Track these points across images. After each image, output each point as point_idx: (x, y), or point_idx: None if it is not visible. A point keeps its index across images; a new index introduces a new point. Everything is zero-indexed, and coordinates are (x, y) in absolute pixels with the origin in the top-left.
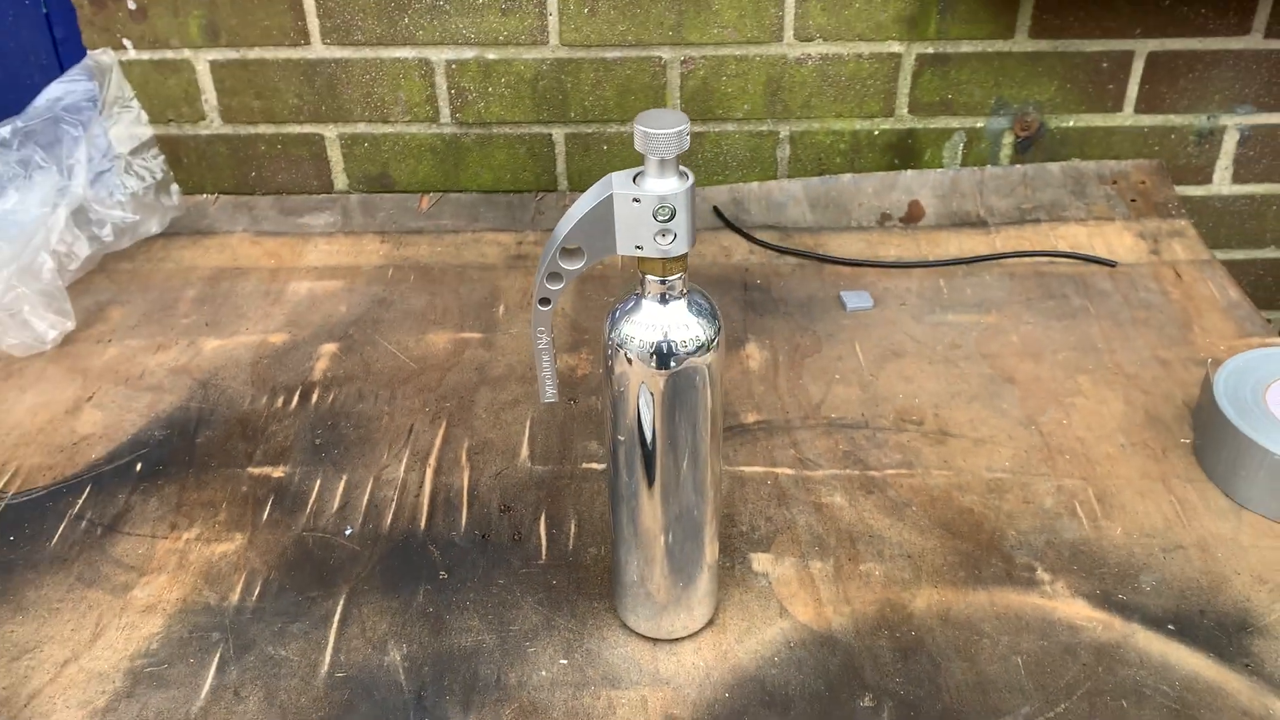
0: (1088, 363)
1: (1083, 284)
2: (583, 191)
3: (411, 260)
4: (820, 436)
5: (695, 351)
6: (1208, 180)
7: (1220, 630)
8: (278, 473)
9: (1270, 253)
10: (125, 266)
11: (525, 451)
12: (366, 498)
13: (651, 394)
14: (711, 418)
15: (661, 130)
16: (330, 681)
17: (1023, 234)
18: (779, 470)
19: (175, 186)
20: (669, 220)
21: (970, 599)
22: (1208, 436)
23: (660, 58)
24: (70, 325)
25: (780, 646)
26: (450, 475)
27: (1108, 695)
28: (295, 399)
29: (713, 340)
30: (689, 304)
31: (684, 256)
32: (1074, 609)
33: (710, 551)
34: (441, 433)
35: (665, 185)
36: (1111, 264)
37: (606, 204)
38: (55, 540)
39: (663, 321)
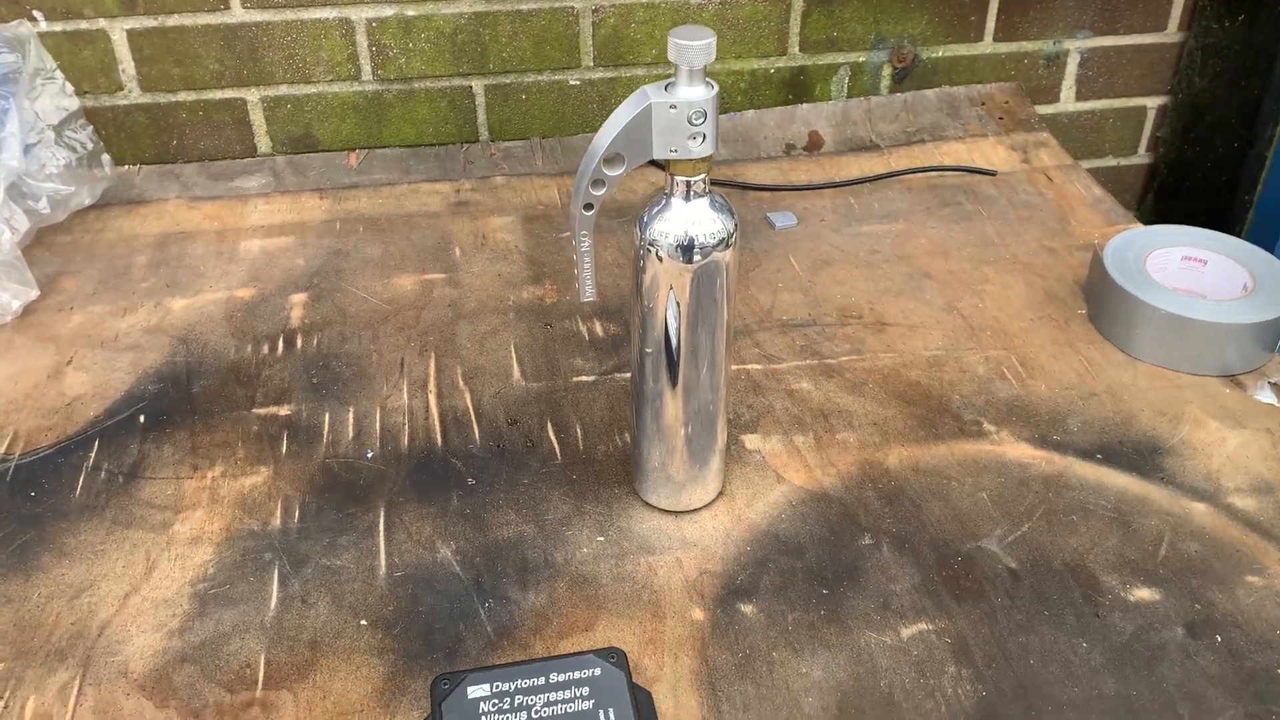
0: (989, 255)
1: (971, 192)
2: (506, 141)
3: (355, 213)
4: (778, 336)
5: (718, 245)
6: (1056, 99)
7: (1138, 454)
8: (284, 411)
9: (1109, 161)
10: (64, 239)
11: (517, 372)
12: (379, 424)
13: (677, 292)
14: (728, 312)
15: (693, 42)
16: (391, 580)
17: (912, 153)
18: (750, 367)
19: (106, 157)
20: (701, 124)
21: (934, 452)
22: (1101, 304)
23: (573, 8)
24: (34, 294)
25: (784, 506)
26: (452, 398)
27: (1059, 514)
28: (280, 345)
29: (732, 235)
30: (710, 202)
31: (709, 157)
32: (1020, 451)
33: (722, 436)
34: (433, 363)
35: (695, 93)
36: (992, 173)
37: (644, 114)
38: (79, 491)
39: (690, 216)
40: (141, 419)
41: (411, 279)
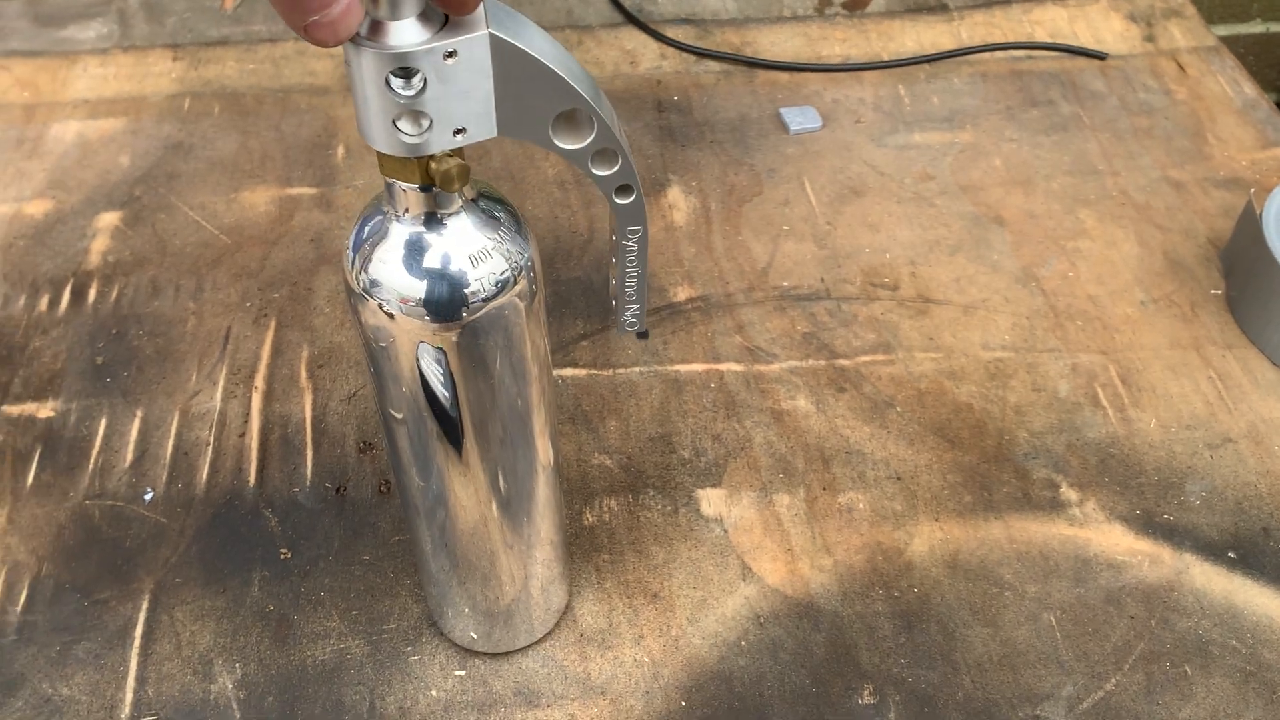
0: (1088, 190)
1: (1070, 84)
2: None
3: (215, 84)
4: (771, 314)
5: (496, 292)
6: None
7: None
8: (45, 411)
9: (1255, 27)
10: None
11: None
12: (172, 442)
13: (429, 362)
14: (538, 369)
15: None
16: None
17: (992, 20)
18: (724, 366)
19: None
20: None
21: (982, 534)
22: (1248, 287)
23: None
24: None
25: (748, 624)
26: (286, 402)
27: (1166, 660)
28: (65, 298)
29: (520, 269)
30: (475, 218)
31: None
32: (1111, 539)
33: (547, 527)
34: (270, 338)
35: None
36: (1101, 56)
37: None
38: None
39: (429, 250)
40: None
41: (268, 194)
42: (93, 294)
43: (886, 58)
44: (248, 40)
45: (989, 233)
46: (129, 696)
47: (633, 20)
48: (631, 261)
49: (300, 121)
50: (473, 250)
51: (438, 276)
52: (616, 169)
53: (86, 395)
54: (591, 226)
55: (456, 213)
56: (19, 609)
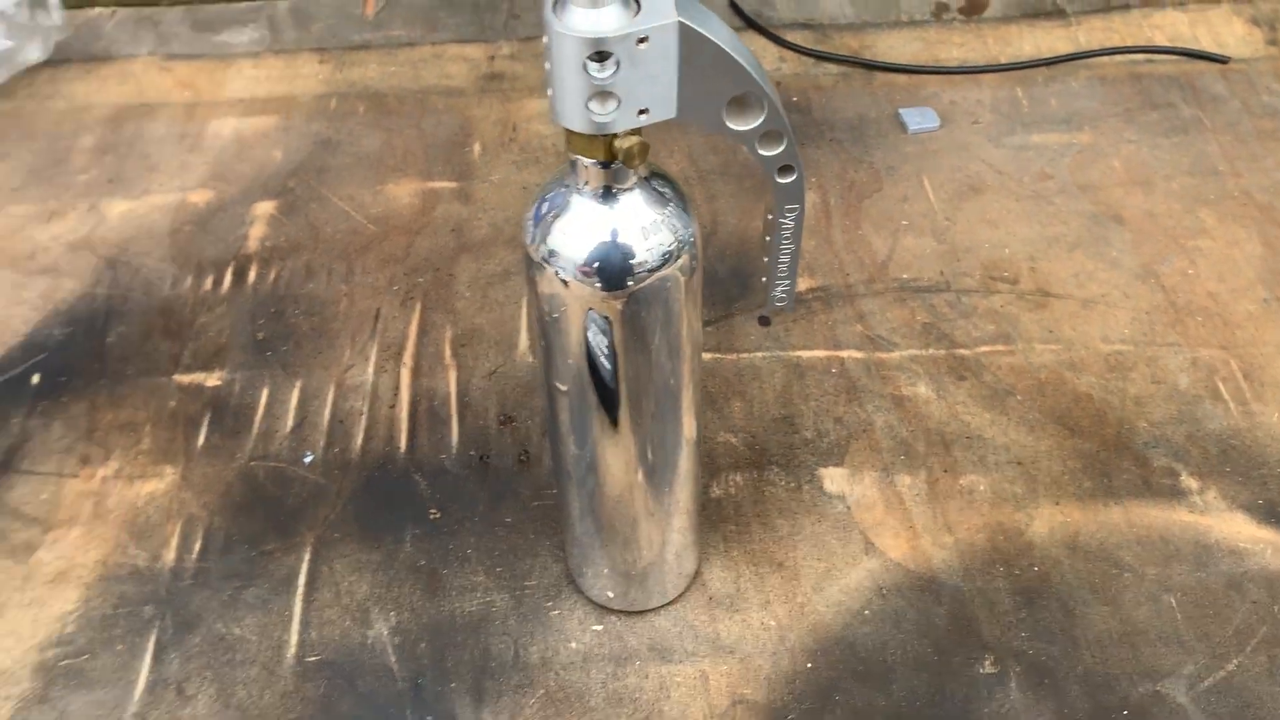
0: (1209, 191)
1: (1190, 87)
2: None
3: (359, 85)
4: (892, 305)
5: (660, 264)
6: None
7: None
8: (213, 380)
9: None
10: (3, 107)
11: (524, 341)
12: (329, 411)
13: (597, 328)
14: (688, 351)
15: None
16: (300, 670)
17: (1110, 24)
18: (845, 354)
19: (55, 0)
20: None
21: (1102, 518)
22: None
23: None
24: None
25: (870, 594)
26: (432, 377)
27: None
28: (228, 279)
29: (683, 246)
30: (645, 195)
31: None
32: (1232, 526)
33: (685, 496)
34: (416, 319)
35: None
36: (1223, 60)
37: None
38: None
39: (605, 222)
40: (35, 379)
41: (411, 187)
42: (252, 275)
43: (1005, 61)
44: (388, 44)
45: (1108, 230)
46: (294, 638)
47: (752, 25)
48: (787, 238)
49: (438, 121)
50: (644, 223)
51: (610, 246)
52: (781, 149)
53: (249, 367)
54: (715, 220)
55: (631, 188)
56: (194, 556)
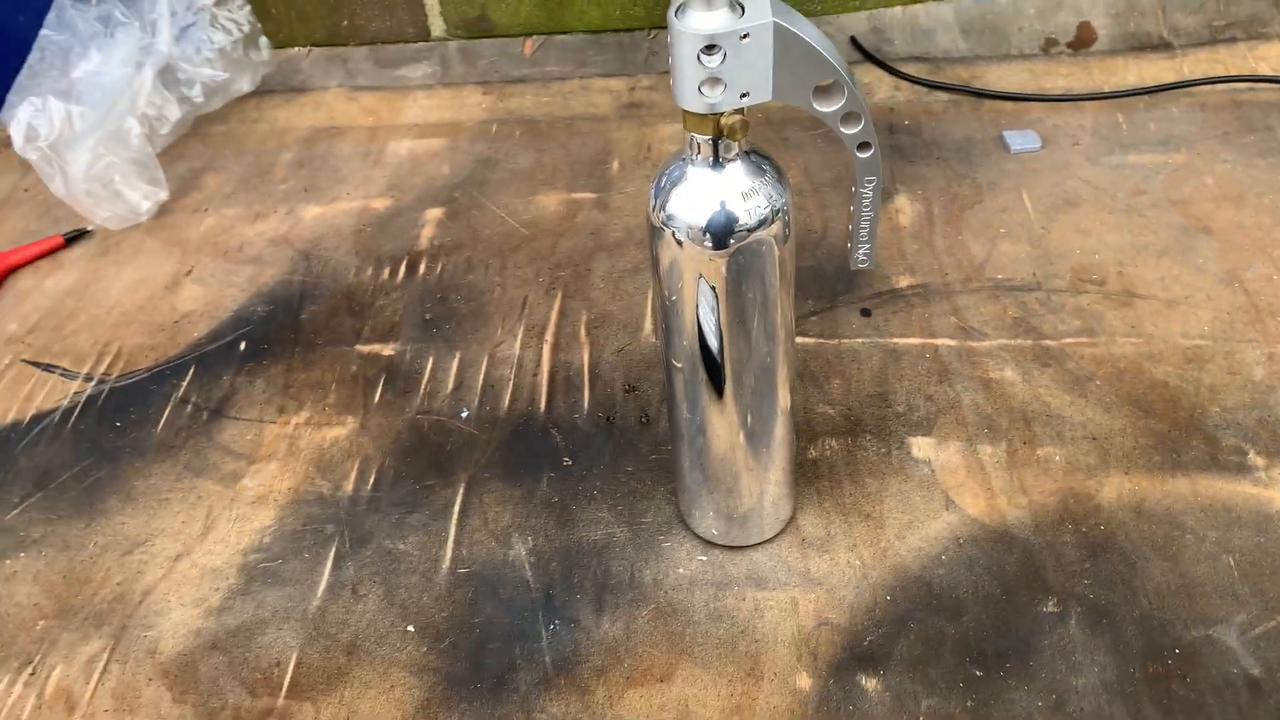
0: None
1: None
2: None
3: (516, 113)
4: (985, 301)
5: (758, 226)
6: None
7: None
8: (388, 350)
9: None
10: (219, 129)
11: (649, 325)
12: (482, 377)
13: (706, 285)
14: (783, 308)
15: None
16: (453, 579)
17: (1215, 56)
18: (939, 341)
19: (264, 39)
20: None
21: (1168, 488)
22: None
23: None
24: (164, 195)
25: (948, 544)
26: (569, 352)
27: None
28: (402, 270)
29: (777, 211)
30: (746, 166)
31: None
32: None
33: (782, 456)
34: (557, 305)
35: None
36: None
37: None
38: (161, 426)
39: (714, 188)
40: (242, 345)
41: (558, 197)
42: (422, 268)
43: (1107, 90)
44: (543, 79)
45: (1196, 240)
46: (448, 554)
47: (870, 58)
48: (866, 206)
49: (583, 143)
50: (744, 189)
51: (717, 207)
52: (860, 128)
53: (418, 340)
54: (825, 225)
55: (734, 160)
56: (368, 488)
